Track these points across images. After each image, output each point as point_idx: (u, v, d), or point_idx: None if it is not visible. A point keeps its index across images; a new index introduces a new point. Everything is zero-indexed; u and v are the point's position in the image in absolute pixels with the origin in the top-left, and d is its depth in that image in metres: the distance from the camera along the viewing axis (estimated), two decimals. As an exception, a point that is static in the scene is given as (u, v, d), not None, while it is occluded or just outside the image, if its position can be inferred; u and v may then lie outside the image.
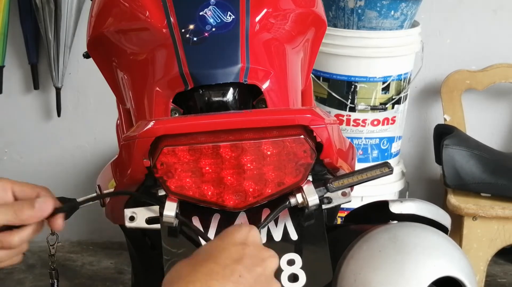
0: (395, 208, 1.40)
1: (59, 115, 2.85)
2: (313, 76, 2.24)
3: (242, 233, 0.96)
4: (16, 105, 2.93)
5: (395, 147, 2.63)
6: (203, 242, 1.09)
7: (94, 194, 1.15)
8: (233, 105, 1.19)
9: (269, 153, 1.04)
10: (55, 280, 1.27)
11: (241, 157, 1.04)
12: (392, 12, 2.45)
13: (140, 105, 1.24)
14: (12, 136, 2.96)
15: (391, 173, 1.11)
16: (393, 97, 2.52)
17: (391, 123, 2.57)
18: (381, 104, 2.51)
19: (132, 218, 1.09)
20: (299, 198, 1.07)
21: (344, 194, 1.12)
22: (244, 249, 0.94)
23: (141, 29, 1.26)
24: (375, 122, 2.53)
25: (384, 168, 1.09)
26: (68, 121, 2.92)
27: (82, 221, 2.90)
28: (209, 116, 1.06)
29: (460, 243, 2.44)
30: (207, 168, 1.04)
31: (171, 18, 1.21)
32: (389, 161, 2.49)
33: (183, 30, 1.20)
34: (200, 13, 1.21)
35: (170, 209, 1.06)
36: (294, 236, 1.11)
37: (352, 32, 2.48)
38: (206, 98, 1.18)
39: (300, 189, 1.07)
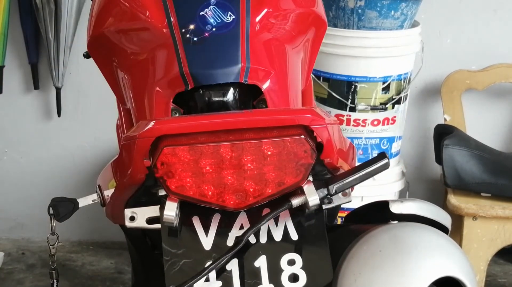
0: (395, 208, 1.40)
1: (59, 115, 2.85)
2: (313, 76, 2.24)
3: None
4: (16, 105, 2.92)
5: (395, 147, 2.63)
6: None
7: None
8: (234, 105, 1.19)
9: (269, 153, 1.04)
10: (55, 280, 1.27)
11: (242, 157, 1.04)
12: (392, 12, 2.45)
13: (141, 105, 1.24)
14: (12, 136, 2.96)
15: (388, 164, 1.11)
16: (393, 97, 2.52)
17: (391, 123, 2.56)
18: (381, 104, 2.51)
19: (132, 218, 1.09)
20: (300, 198, 1.07)
21: (344, 194, 1.12)
22: None
23: (141, 29, 1.26)
24: (375, 122, 2.53)
25: (381, 162, 1.08)
26: (68, 121, 2.92)
27: (82, 221, 2.89)
28: (209, 116, 1.06)
29: (460, 243, 2.44)
30: (207, 168, 1.04)
31: (172, 18, 1.21)
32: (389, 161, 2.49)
33: (183, 30, 1.20)
34: (201, 13, 1.21)
35: (171, 209, 1.06)
36: (294, 236, 1.11)
37: (352, 32, 2.48)
38: (207, 98, 1.18)
39: (300, 189, 1.07)
